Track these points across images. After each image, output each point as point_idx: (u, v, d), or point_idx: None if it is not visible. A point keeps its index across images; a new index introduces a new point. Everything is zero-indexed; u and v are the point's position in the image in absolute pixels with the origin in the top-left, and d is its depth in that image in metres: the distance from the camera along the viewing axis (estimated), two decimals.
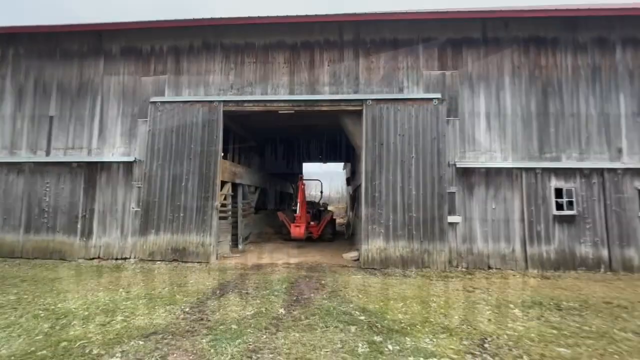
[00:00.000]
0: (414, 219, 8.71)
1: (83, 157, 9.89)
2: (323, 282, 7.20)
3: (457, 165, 8.87)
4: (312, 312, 5.24)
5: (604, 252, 8.37)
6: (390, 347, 4.09)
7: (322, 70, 9.57)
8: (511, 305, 5.73)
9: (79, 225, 9.61)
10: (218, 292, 6.37)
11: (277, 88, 9.63)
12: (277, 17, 9.48)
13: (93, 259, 9.49)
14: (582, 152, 8.75)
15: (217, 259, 9.52)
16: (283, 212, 14.20)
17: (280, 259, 9.86)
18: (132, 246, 9.46)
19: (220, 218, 10.12)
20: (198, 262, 9.07)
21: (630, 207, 8.44)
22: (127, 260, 9.34)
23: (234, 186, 11.88)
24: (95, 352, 3.87)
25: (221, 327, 4.64)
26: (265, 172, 15.66)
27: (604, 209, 8.49)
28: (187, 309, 5.38)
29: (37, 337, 4.28)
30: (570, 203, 8.56)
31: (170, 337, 4.31)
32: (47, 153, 10.04)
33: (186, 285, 6.86)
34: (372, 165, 9.02)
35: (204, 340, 4.20)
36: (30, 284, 6.88)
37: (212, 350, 3.93)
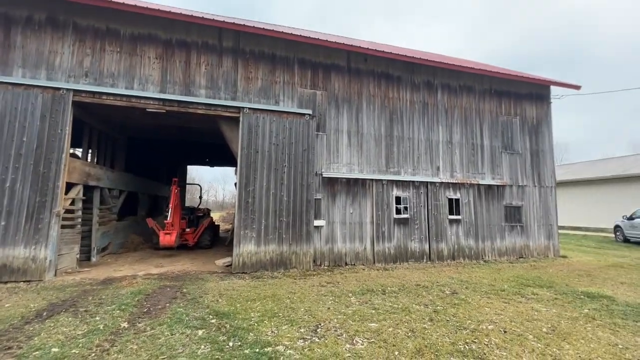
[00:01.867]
0: (284, 223, 9.36)
1: None
2: (185, 290, 6.99)
3: (324, 175, 10.03)
4: (160, 322, 5.08)
5: (426, 246, 10.86)
6: (231, 344, 4.38)
7: (198, 73, 9.35)
8: (350, 294, 6.86)
9: None
10: (45, 313, 5.43)
11: (146, 84, 8.91)
12: (149, 8, 8.82)
13: None
14: (415, 168, 11.18)
15: (55, 275, 8.01)
16: (154, 218, 12.95)
17: (142, 270, 9.02)
18: None
19: (64, 226, 8.59)
20: (25, 282, 7.45)
21: (443, 211, 11.23)
22: None
23: (90, 189, 10.24)
24: None
25: (36, 352, 4.03)
26: (135, 175, 13.96)
27: (427, 213, 11.03)
28: None
29: None
30: (405, 208, 10.79)
31: None
32: None
33: None
34: (247, 172, 9.30)
35: None
36: None
37: None
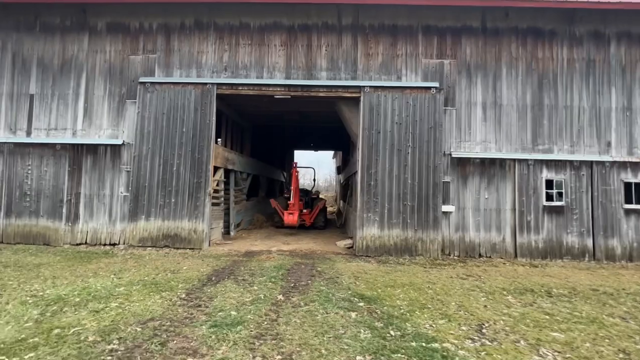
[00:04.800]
0: (408, 208, 8.76)
1: (67, 138, 9.43)
2: (319, 269, 7.20)
3: (453, 155, 8.93)
4: (311, 299, 5.23)
5: (589, 242, 8.68)
6: (392, 332, 4.12)
7: (319, 55, 9.33)
8: (504, 292, 5.88)
9: (64, 210, 9.23)
10: (213, 278, 6.27)
11: (273, 72, 9.36)
12: None
13: (79, 244, 9.19)
14: (573, 144, 8.94)
15: (209, 245, 9.38)
16: (275, 199, 14.08)
17: (274, 246, 9.80)
18: (121, 232, 9.20)
19: (213, 204, 9.93)
20: (190, 249, 8.91)
21: (616, 198, 8.74)
22: (115, 246, 9.08)
23: (226, 172, 11.65)
24: (90, 339, 3.74)
25: (220, 313, 4.56)
26: (256, 159, 15.41)
27: (590, 200, 8.75)
28: (183, 295, 5.26)
29: (27, 324, 4.09)
30: (559, 194, 8.79)
31: (168, 323, 4.21)
32: (28, 133, 9.52)
33: (180, 271, 6.73)
34: (368, 153, 8.97)
35: (203, 327, 4.12)
36: (14, 270, 6.59)
37: (213, 337, 3.86)
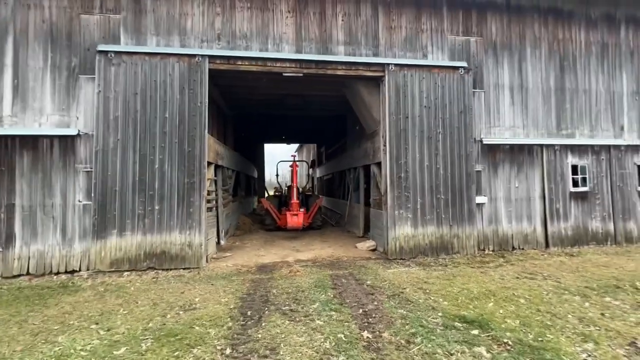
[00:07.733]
0: (442, 201, 7.86)
1: None
2: (368, 282, 5.90)
3: (484, 142, 8.23)
4: (406, 332, 3.93)
5: (610, 226, 8.71)
6: None
7: (335, 25, 7.86)
8: (595, 293, 5.22)
9: None
10: (249, 313, 4.59)
11: (280, 44, 7.66)
12: None
13: (18, 276, 6.58)
14: (592, 128, 8.85)
15: (207, 261, 7.44)
16: (265, 198, 12.28)
17: (286, 256, 8.21)
18: (83, 254, 6.80)
19: (207, 209, 7.94)
20: (185, 269, 6.92)
21: (631, 182, 8.88)
22: (76, 275, 6.68)
23: (215, 169, 9.59)
24: None
25: None
26: (239, 153, 13.35)
27: (610, 184, 8.77)
28: (228, 351, 3.57)
29: None
30: (584, 180, 8.65)
31: None
32: None
33: (194, 307, 4.87)
34: (397, 142, 7.83)
35: None
36: None
37: None
